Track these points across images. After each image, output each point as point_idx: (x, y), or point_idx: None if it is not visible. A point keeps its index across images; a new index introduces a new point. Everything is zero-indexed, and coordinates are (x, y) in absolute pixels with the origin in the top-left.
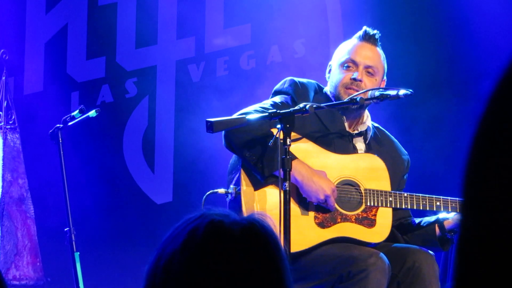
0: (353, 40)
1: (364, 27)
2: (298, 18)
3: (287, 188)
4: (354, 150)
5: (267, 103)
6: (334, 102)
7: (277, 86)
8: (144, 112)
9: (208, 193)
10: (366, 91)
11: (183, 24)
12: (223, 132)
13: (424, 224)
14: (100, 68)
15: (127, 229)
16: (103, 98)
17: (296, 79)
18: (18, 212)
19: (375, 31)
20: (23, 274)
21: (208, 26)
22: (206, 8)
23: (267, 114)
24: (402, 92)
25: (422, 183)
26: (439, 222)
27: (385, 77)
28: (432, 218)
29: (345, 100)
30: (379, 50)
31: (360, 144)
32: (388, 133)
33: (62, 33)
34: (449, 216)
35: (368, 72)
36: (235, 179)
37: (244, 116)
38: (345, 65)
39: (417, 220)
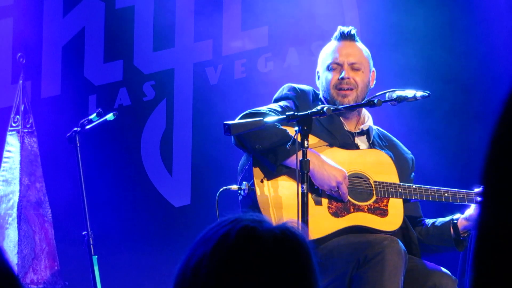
0: (332, 43)
1: (339, 27)
2: (315, 21)
3: (305, 190)
4: (356, 148)
5: (273, 106)
6: (352, 104)
7: (277, 94)
8: (162, 115)
9: (221, 189)
10: (384, 93)
11: (200, 26)
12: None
13: (439, 224)
14: (118, 71)
15: (145, 232)
16: (120, 101)
17: (295, 85)
18: (36, 216)
19: (350, 28)
20: (41, 278)
21: (226, 28)
22: (224, 10)
23: (284, 116)
24: (419, 93)
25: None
26: (453, 223)
27: (373, 68)
28: (446, 219)
29: (362, 102)
30: (359, 44)
31: (362, 144)
32: (390, 135)
33: (79, 37)
34: (463, 216)
35: (354, 68)
36: (246, 175)
37: (261, 119)
38: (330, 67)
39: (431, 221)
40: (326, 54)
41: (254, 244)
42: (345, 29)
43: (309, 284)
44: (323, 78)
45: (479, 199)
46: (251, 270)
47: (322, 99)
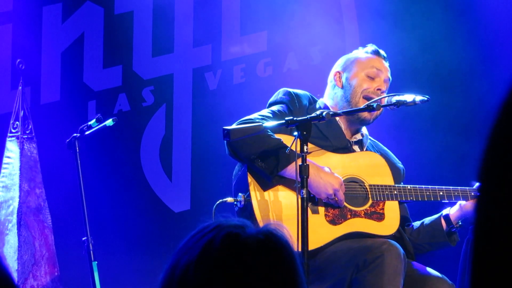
0: (370, 56)
1: (371, 45)
2: (314, 25)
3: (305, 195)
4: (352, 152)
5: (264, 112)
6: (351, 109)
7: (272, 98)
8: (161, 120)
9: (217, 202)
10: (382, 97)
11: (199, 32)
12: (225, 141)
13: (429, 222)
14: (117, 77)
15: (145, 238)
16: (120, 106)
17: (290, 89)
18: (36, 222)
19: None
20: (41, 284)
21: (225, 33)
22: (223, 15)
23: (283, 121)
24: (418, 98)
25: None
26: (444, 216)
27: None
28: (434, 216)
29: (362, 107)
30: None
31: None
32: (381, 144)
33: (79, 42)
34: (455, 207)
35: (386, 86)
36: (242, 186)
37: (260, 124)
38: (371, 76)
39: (418, 222)
40: (365, 61)
41: (239, 250)
42: (380, 50)
43: (295, 286)
44: (359, 83)
45: (473, 195)
46: (238, 276)
47: (320, 104)
